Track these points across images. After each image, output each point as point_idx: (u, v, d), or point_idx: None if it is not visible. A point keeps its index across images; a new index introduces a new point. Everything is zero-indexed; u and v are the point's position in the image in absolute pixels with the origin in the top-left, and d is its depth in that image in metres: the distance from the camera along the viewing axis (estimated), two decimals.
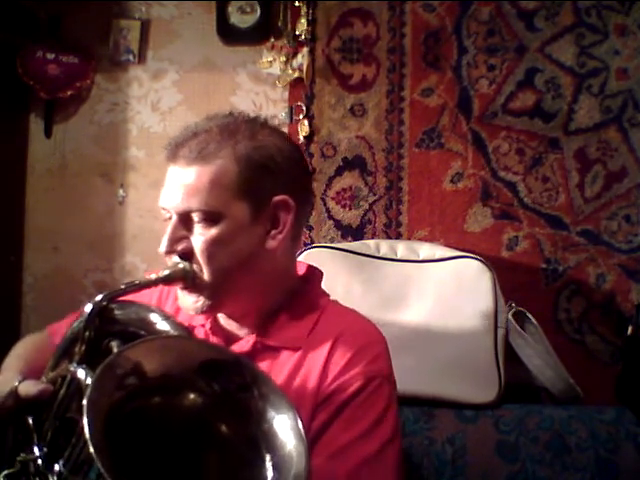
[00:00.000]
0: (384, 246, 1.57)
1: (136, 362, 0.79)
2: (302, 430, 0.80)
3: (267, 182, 0.98)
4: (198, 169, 0.95)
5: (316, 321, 1.02)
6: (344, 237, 1.76)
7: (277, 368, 0.96)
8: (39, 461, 0.83)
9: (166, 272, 0.95)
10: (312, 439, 0.87)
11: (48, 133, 1.90)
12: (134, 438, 0.77)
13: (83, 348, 0.88)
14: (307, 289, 1.07)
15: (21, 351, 1.08)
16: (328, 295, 1.10)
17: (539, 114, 1.69)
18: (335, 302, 1.09)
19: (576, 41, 1.68)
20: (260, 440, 0.80)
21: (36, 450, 0.84)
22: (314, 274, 1.11)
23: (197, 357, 0.83)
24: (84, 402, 0.71)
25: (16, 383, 0.88)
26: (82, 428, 0.77)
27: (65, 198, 1.91)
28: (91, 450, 0.68)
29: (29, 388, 0.87)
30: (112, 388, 0.75)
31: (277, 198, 0.98)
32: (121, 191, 1.89)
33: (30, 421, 0.87)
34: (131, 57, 1.87)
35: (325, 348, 0.98)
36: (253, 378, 0.83)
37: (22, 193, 1.92)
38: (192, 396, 0.82)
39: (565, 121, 1.68)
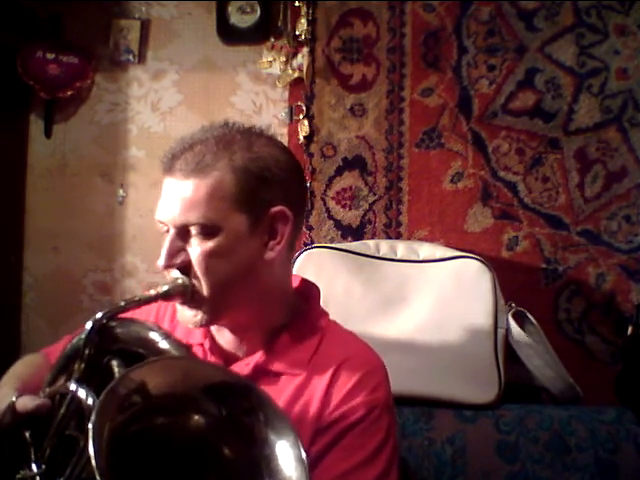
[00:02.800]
0: (384, 246, 1.57)
1: (140, 384, 0.78)
2: (304, 454, 0.80)
3: (264, 193, 0.97)
4: (195, 182, 0.94)
5: (317, 345, 1.02)
6: (344, 237, 1.76)
7: (278, 392, 0.95)
8: (37, 478, 0.83)
9: (165, 288, 0.95)
10: (310, 465, 0.86)
11: (48, 133, 1.90)
12: (137, 458, 0.77)
13: (82, 366, 0.88)
14: (308, 309, 1.07)
15: (17, 371, 1.08)
16: (327, 314, 1.09)
17: (539, 114, 1.69)
18: (335, 323, 1.09)
19: (576, 41, 1.68)
20: (261, 463, 0.80)
21: (34, 467, 0.84)
22: (312, 291, 1.10)
23: (204, 379, 0.83)
24: (89, 427, 0.71)
25: (13, 398, 0.88)
26: (83, 448, 0.77)
27: (65, 198, 1.91)
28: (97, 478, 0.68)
29: (27, 403, 0.87)
30: (116, 411, 0.75)
31: (275, 209, 0.98)
32: (121, 191, 1.89)
33: (28, 436, 0.87)
34: (131, 57, 1.87)
35: (327, 375, 0.98)
36: (258, 402, 0.83)
37: (22, 193, 1.92)
38: (196, 418, 0.82)
39: (565, 121, 1.68)
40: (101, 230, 1.90)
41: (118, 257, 1.89)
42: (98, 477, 0.68)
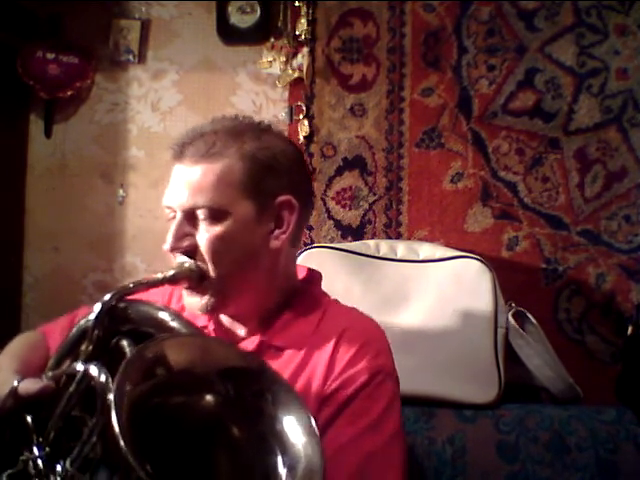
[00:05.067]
0: (384, 246, 1.57)
1: (156, 359, 0.79)
2: (315, 428, 0.81)
3: (272, 182, 0.99)
4: (204, 167, 0.96)
5: (319, 320, 1.03)
6: (344, 237, 1.76)
7: (282, 367, 0.96)
8: (39, 461, 0.83)
9: (172, 272, 0.96)
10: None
11: (48, 133, 1.90)
12: (150, 435, 0.77)
13: (90, 347, 0.88)
14: (308, 289, 1.09)
15: (14, 350, 1.07)
16: (328, 295, 1.11)
17: (539, 114, 1.69)
18: (336, 301, 1.11)
19: (576, 41, 1.68)
20: (272, 440, 0.81)
21: (35, 450, 0.84)
22: (313, 276, 1.12)
23: (220, 359, 0.83)
24: (110, 398, 0.71)
25: (15, 383, 0.88)
26: (94, 426, 0.77)
27: (65, 198, 1.91)
28: (122, 445, 0.68)
29: (30, 386, 0.87)
30: (133, 385, 0.76)
31: (281, 198, 0.99)
32: (121, 191, 1.89)
33: (30, 420, 0.87)
34: (131, 57, 1.87)
35: (329, 346, 0.99)
36: (269, 383, 0.84)
37: (22, 193, 1.92)
38: (208, 397, 0.82)
39: (565, 121, 1.68)
40: (101, 230, 1.90)
41: (118, 257, 1.89)
42: (121, 441, 0.68)
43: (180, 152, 0.99)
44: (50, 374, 0.90)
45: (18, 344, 1.09)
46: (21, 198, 1.92)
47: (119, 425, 0.69)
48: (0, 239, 1.86)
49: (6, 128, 1.88)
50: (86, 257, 1.90)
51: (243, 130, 1.00)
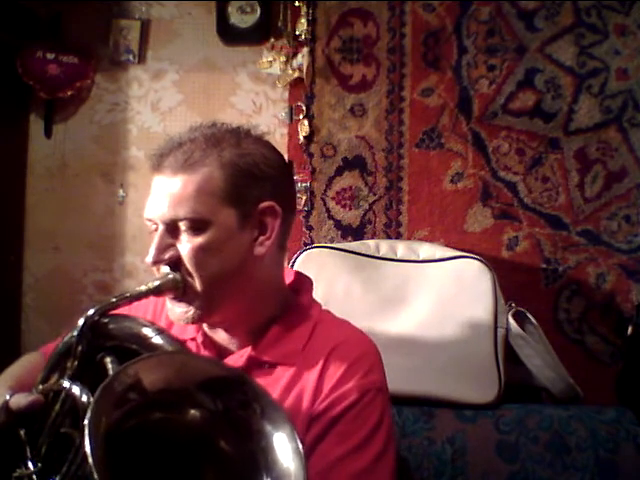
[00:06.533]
0: (384, 246, 1.57)
1: (136, 380, 0.78)
2: (300, 446, 0.80)
3: (253, 188, 0.97)
4: (184, 178, 0.95)
5: (310, 334, 1.02)
6: (344, 237, 1.76)
7: (271, 383, 0.95)
8: (34, 477, 0.83)
9: (156, 283, 0.95)
10: (306, 453, 0.86)
11: (48, 133, 1.90)
12: (134, 454, 0.76)
13: (75, 363, 0.87)
14: (298, 300, 1.07)
15: (13, 370, 1.07)
16: (319, 304, 1.09)
17: (539, 114, 1.69)
18: (327, 312, 1.09)
19: (576, 41, 1.68)
20: (258, 456, 0.80)
21: (30, 465, 0.84)
22: (304, 283, 1.10)
23: (199, 373, 0.83)
24: (85, 423, 0.70)
25: (7, 397, 0.88)
26: (79, 445, 0.76)
27: (65, 198, 1.91)
28: (95, 477, 0.67)
29: (20, 401, 0.86)
30: (112, 407, 0.75)
31: (264, 204, 0.98)
32: (121, 191, 1.89)
33: (23, 435, 0.87)
34: (131, 57, 1.87)
35: (319, 363, 0.98)
36: (253, 394, 0.83)
37: (22, 193, 1.92)
38: (193, 412, 0.81)
39: (565, 121, 1.68)
40: (101, 230, 1.90)
41: (118, 257, 1.89)
42: (95, 474, 0.67)
43: (159, 163, 0.97)
44: (40, 387, 0.90)
45: (16, 366, 1.09)
46: (21, 198, 1.92)
47: (92, 455, 0.68)
48: (0, 239, 1.86)
49: (6, 128, 1.88)
50: (86, 257, 1.90)
51: (222, 137, 0.98)
